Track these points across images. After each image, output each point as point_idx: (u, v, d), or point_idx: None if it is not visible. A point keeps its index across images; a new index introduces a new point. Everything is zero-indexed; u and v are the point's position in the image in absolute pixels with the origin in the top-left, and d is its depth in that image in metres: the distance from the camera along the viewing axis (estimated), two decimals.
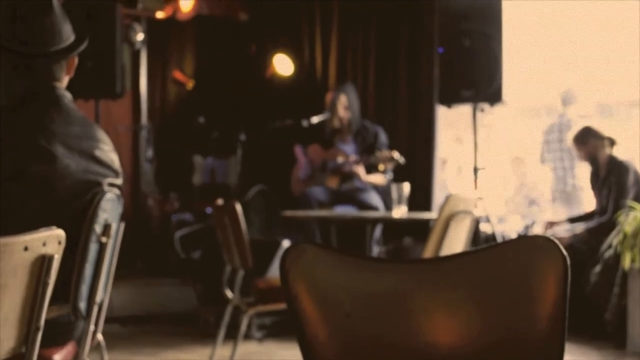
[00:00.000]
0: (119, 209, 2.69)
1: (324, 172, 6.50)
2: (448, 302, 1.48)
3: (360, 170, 6.26)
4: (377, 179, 6.32)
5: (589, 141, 5.97)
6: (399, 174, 6.30)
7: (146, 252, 7.31)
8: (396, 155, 5.90)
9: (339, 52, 7.75)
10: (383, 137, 6.46)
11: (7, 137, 2.54)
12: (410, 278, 1.49)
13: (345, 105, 6.55)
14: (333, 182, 6.45)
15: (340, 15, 7.74)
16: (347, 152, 6.44)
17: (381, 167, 6.10)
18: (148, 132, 7.79)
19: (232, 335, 4.85)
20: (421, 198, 6.79)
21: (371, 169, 6.29)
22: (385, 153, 6.03)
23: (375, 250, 6.11)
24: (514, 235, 6.25)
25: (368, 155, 6.22)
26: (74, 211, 2.54)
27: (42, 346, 2.15)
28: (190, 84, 8.39)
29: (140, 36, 7.46)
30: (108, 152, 2.68)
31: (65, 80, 2.72)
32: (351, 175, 6.40)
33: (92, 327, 2.64)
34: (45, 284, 2.08)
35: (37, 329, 2.10)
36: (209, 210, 7.21)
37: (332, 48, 7.80)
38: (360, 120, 6.60)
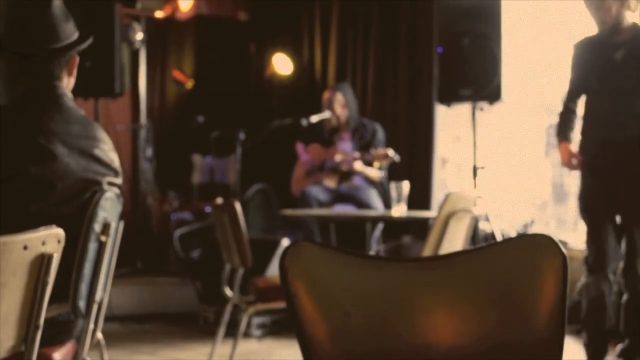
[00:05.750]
0: (119, 208, 2.69)
1: (322, 171, 6.51)
2: (447, 301, 1.48)
3: (357, 163, 6.27)
4: (372, 172, 6.33)
5: None
6: (398, 173, 6.30)
7: (145, 251, 7.31)
8: (391, 152, 5.91)
9: (338, 52, 7.76)
10: (381, 134, 6.48)
11: (7, 136, 2.54)
12: (410, 276, 1.49)
13: (342, 103, 6.57)
14: (332, 181, 6.46)
15: (340, 15, 7.74)
16: (346, 150, 6.45)
17: (376, 164, 6.11)
18: (147, 131, 7.80)
19: (231, 333, 4.85)
20: (420, 197, 6.79)
21: (367, 166, 6.31)
22: (380, 150, 6.05)
23: (375, 248, 6.11)
24: (513, 234, 6.26)
25: (363, 153, 6.24)
26: (74, 210, 2.54)
27: (41, 345, 2.15)
28: (189, 83, 8.39)
29: (139, 35, 7.45)
30: (108, 151, 2.68)
31: (67, 81, 2.72)
32: (350, 174, 6.41)
33: (91, 326, 2.64)
34: (45, 283, 2.08)
35: (37, 327, 2.10)
36: (208, 209, 7.21)
37: (331, 47, 7.81)
38: (358, 118, 6.62)
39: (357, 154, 6.29)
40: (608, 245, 4.46)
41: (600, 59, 4.62)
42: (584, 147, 4.65)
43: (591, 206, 4.58)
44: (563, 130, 4.77)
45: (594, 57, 4.65)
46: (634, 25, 4.54)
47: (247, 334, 5.57)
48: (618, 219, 4.52)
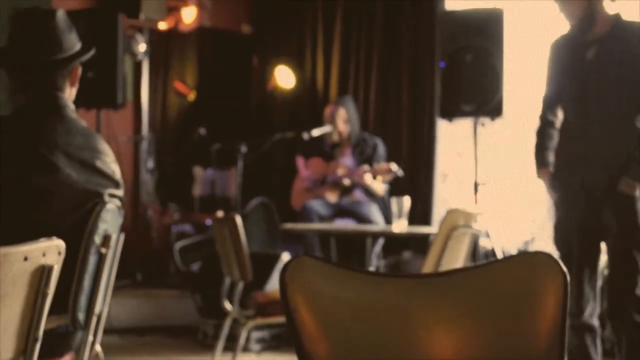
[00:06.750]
0: (119, 220, 2.69)
1: (323, 185, 6.50)
2: (447, 317, 1.48)
3: (367, 176, 6.23)
4: (378, 187, 6.32)
5: None
6: (399, 188, 6.29)
7: (146, 264, 7.30)
8: (394, 167, 5.91)
9: (340, 65, 7.77)
10: (381, 148, 6.47)
11: (9, 146, 2.54)
12: (410, 293, 1.49)
13: (344, 118, 6.57)
14: (332, 196, 6.45)
15: (343, 29, 7.76)
16: (347, 165, 6.45)
17: (379, 179, 6.10)
18: (149, 143, 7.80)
19: (230, 347, 4.84)
20: (421, 212, 6.79)
21: None
22: (383, 165, 6.04)
23: (375, 263, 6.10)
24: (514, 251, 6.24)
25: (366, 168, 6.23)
26: (74, 222, 2.54)
27: (40, 357, 2.14)
28: (191, 95, 8.40)
29: (142, 47, 7.47)
30: (109, 163, 2.68)
31: (70, 92, 2.72)
32: (351, 189, 6.40)
33: (90, 338, 2.63)
34: (45, 295, 2.07)
35: (36, 339, 2.10)
36: (209, 222, 7.21)
37: (333, 61, 7.82)
38: (359, 133, 6.62)
39: (366, 167, 6.26)
40: (586, 286, 3.84)
41: (571, 58, 3.94)
42: (556, 166, 4.02)
43: (566, 237, 3.91)
44: (540, 153, 4.09)
45: (566, 57, 3.97)
46: (614, 17, 3.83)
47: (246, 348, 5.56)
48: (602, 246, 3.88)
